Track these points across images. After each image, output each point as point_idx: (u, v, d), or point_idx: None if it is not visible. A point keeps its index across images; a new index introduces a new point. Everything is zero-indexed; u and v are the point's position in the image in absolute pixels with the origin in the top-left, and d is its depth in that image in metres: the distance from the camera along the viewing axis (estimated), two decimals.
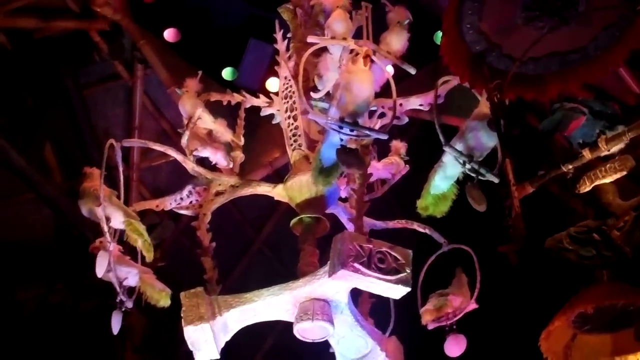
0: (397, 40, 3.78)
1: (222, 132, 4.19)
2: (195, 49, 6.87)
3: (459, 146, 3.74)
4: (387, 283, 3.48)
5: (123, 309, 4.02)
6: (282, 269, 7.79)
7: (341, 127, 3.56)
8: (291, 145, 4.10)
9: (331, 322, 3.58)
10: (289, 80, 4.20)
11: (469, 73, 3.97)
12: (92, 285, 7.14)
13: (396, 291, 3.53)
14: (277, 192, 4.10)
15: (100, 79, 7.37)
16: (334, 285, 3.56)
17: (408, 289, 3.53)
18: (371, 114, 4.10)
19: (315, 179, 3.80)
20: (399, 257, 3.51)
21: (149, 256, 4.10)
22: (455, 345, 3.90)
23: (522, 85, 3.97)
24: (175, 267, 4.11)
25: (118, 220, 4.05)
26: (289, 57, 4.24)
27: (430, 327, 4.02)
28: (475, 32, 4.03)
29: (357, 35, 3.79)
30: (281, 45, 4.29)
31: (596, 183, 4.95)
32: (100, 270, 3.95)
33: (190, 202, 4.19)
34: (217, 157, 4.19)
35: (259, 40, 7.03)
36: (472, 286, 4.00)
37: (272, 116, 4.37)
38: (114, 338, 7.21)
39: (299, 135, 4.09)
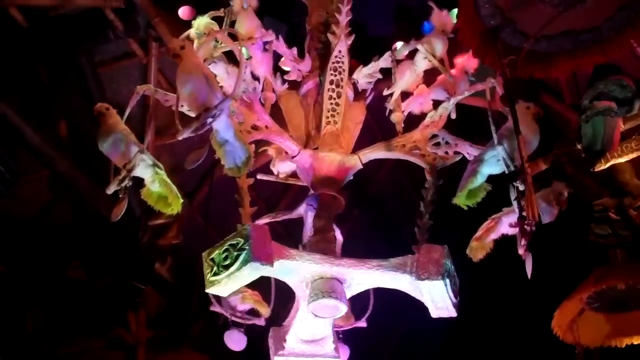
0: (440, 46, 4.00)
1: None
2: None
3: (505, 147, 3.71)
4: (236, 274, 3.49)
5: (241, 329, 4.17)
6: (295, 247, 7.80)
7: (205, 122, 3.61)
8: (327, 118, 4.08)
9: (334, 296, 3.62)
10: (343, 55, 4.19)
11: (481, 47, 3.98)
12: (108, 262, 7.24)
13: (249, 272, 3.50)
14: (302, 156, 4.05)
15: (114, 57, 7.37)
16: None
17: (255, 264, 3.46)
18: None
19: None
20: (237, 241, 3.51)
21: (177, 206, 4.02)
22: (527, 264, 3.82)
23: (533, 63, 3.96)
24: (190, 245, 4.13)
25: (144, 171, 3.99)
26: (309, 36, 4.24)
27: None
28: (491, 6, 4.03)
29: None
30: (343, 18, 4.26)
31: (612, 162, 4.93)
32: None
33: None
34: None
35: (274, 18, 7.02)
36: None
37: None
38: (128, 314, 7.33)
39: (337, 113, 4.08)
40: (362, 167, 4.08)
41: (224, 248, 3.53)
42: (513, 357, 8.19)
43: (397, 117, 4.14)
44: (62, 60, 7.11)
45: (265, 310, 4.18)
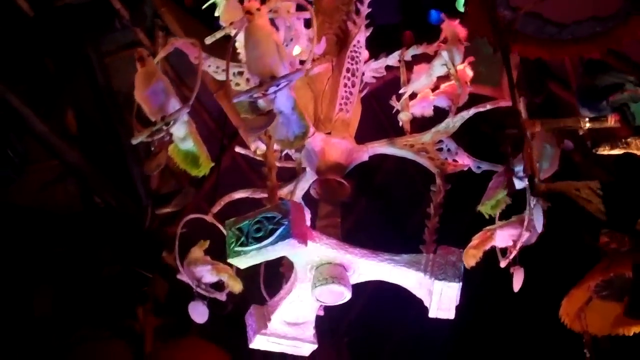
0: (458, 57, 4.00)
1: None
2: (215, 16, 6.85)
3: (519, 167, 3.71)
4: (268, 247, 3.42)
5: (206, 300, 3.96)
6: None
7: (266, 90, 3.52)
8: (340, 105, 4.08)
9: (343, 283, 3.61)
10: (361, 46, 4.21)
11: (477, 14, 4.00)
12: (115, 251, 7.27)
13: (282, 248, 3.45)
14: (314, 139, 3.99)
15: (121, 46, 7.38)
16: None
17: (291, 240, 3.39)
18: None
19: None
20: (274, 214, 3.44)
21: (206, 167, 3.90)
22: (516, 278, 3.83)
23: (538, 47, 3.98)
24: (197, 234, 4.15)
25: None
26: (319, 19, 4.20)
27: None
28: None
29: None
30: (365, 9, 4.25)
31: (615, 151, 4.92)
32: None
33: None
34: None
35: None
36: None
37: None
38: (136, 302, 7.35)
39: (350, 102, 4.09)
40: (367, 159, 4.07)
41: (257, 219, 3.44)
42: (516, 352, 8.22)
43: (405, 117, 4.13)
44: (68, 50, 7.12)
45: (238, 287, 4.01)
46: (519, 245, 3.77)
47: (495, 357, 8.43)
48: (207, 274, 3.98)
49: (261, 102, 3.59)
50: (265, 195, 3.98)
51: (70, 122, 7.43)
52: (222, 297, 3.98)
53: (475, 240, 3.86)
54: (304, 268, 3.65)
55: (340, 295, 3.65)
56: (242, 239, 3.45)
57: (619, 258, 5.42)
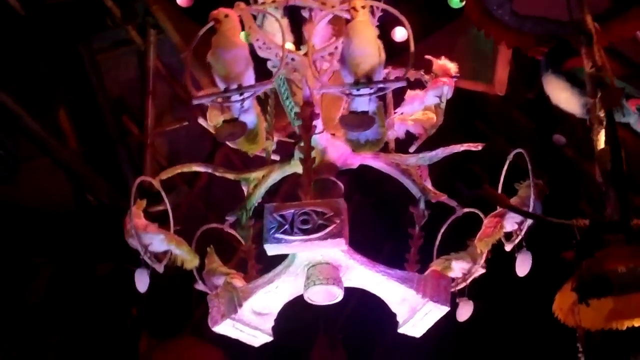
0: (449, 92, 3.99)
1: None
2: (208, 13, 6.84)
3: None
4: (315, 242, 3.39)
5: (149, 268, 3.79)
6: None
7: (358, 89, 3.48)
8: (343, 108, 4.02)
9: (338, 285, 3.56)
10: None
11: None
12: (109, 249, 7.25)
13: (330, 246, 3.43)
14: (321, 137, 3.93)
15: (113, 44, 7.36)
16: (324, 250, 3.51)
17: (341, 240, 3.40)
18: None
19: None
20: (325, 210, 3.41)
21: (260, 144, 3.87)
22: (462, 310, 3.85)
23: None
24: (190, 232, 4.13)
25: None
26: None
27: None
28: None
29: None
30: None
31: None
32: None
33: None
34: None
35: None
36: None
37: None
38: (129, 301, 7.34)
39: None
40: (355, 167, 4.04)
41: (304, 211, 3.41)
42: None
43: (391, 135, 4.11)
44: (60, 48, 7.10)
45: (193, 263, 3.87)
46: (525, 228, 3.76)
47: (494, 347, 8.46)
48: (158, 242, 3.82)
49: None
50: (228, 174, 3.99)
51: (62, 120, 7.42)
52: (160, 268, 3.80)
53: (486, 227, 3.83)
54: (300, 264, 3.64)
55: (334, 297, 3.63)
56: (286, 227, 3.41)
57: (612, 253, 5.42)
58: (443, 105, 3.99)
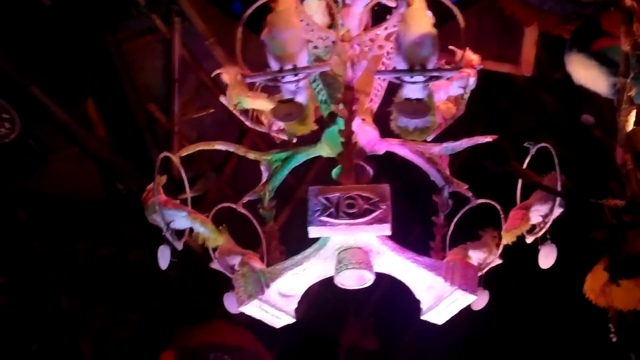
0: (473, 83, 3.95)
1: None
2: (231, 1, 6.85)
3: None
4: (361, 226, 3.38)
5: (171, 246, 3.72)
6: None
7: (412, 77, 3.46)
8: (371, 96, 4.01)
9: (370, 269, 3.55)
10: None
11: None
12: (140, 237, 7.32)
13: (375, 231, 3.43)
14: (354, 122, 3.90)
15: (138, 33, 7.39)
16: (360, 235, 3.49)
17: (387, 226, 3.41)
18: None
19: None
20: (371, 195, 3.40)
21: (308, 127, 3.78)
22: (478, 299, 3.78)
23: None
24: (219, 219, 4.13)
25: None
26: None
27: None
28: None
29: None
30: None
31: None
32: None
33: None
34: None
35: None
36: None
37: None
38: (160, 287, 7.40)
39: (378, 96, 4.02)
40: (381, 154, 4.03)
41: (349, 195, 3.40)
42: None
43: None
44: (86, 38, 7.14)
45: (218, 241, 3.80)
46: (551, 219, 3.69)
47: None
48: (181, 219, 3.75)
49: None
50: (250, 154, 3.98)
51: (90, 110, 7.48)
52: (179, 245, 3.74)
53: (512, 219, 3.81)
54: (332, 248, 3.64)
55: (365, 281, 3.62)
56: (332, 210, 3.40)
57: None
58: (466, 97, 3.97)
